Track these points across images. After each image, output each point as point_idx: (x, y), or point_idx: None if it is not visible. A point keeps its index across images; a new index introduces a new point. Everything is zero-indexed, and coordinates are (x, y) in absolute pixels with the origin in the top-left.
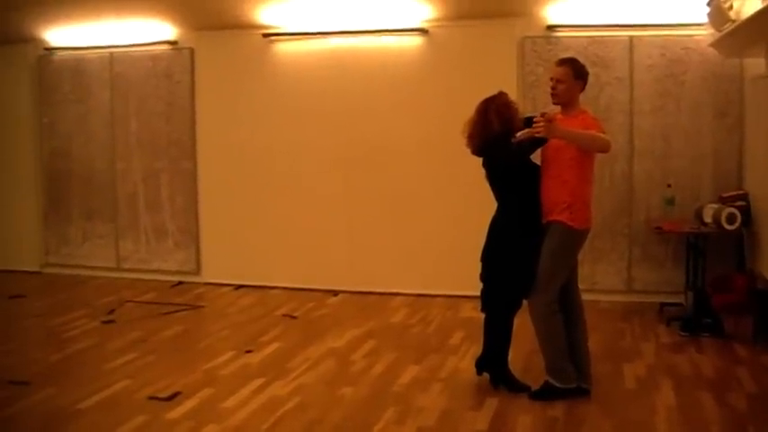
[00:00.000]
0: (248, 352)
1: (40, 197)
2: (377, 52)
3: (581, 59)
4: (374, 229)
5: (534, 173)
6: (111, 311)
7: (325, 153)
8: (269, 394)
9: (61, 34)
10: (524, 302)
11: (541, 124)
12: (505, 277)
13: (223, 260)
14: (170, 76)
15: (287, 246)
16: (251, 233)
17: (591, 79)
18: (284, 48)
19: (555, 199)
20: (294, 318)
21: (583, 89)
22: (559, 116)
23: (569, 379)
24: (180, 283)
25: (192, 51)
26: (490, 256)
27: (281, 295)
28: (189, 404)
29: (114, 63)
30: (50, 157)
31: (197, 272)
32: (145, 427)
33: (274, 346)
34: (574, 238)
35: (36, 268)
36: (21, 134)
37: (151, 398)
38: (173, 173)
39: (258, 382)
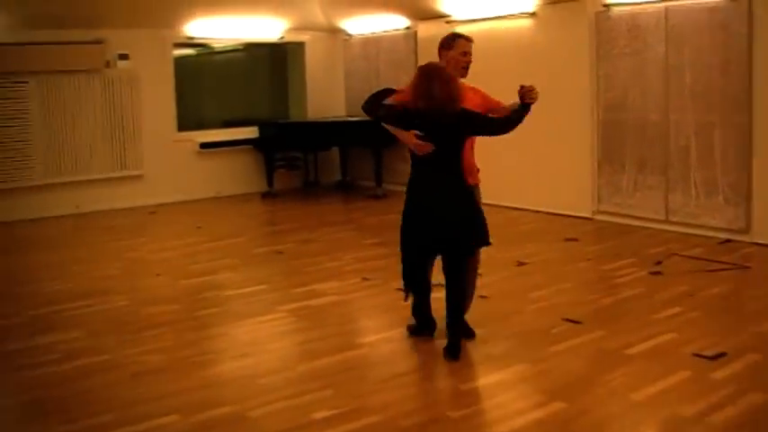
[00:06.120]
0: None
1: (595, 147)
2: None
3: None
4: None
5: None
6: (659, 263)
7: None
8: None
9: None
10: None
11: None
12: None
13: None
14: (726, 27)
15: None
16: None
17: None
18: None
19: (473, 163)
20: None
21: None
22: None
23: None
24: (727, 240)
25: None
26: (457, 210)
27: None
28: (734, 366)
29: (669, 16)
30: (606, 108)
31: (746, 230)
32: (689, 383)
33: None
34: None
35: (588, 214)
36: (579, 86)
37: (695, 355)
38: (725, 127)
39: None
